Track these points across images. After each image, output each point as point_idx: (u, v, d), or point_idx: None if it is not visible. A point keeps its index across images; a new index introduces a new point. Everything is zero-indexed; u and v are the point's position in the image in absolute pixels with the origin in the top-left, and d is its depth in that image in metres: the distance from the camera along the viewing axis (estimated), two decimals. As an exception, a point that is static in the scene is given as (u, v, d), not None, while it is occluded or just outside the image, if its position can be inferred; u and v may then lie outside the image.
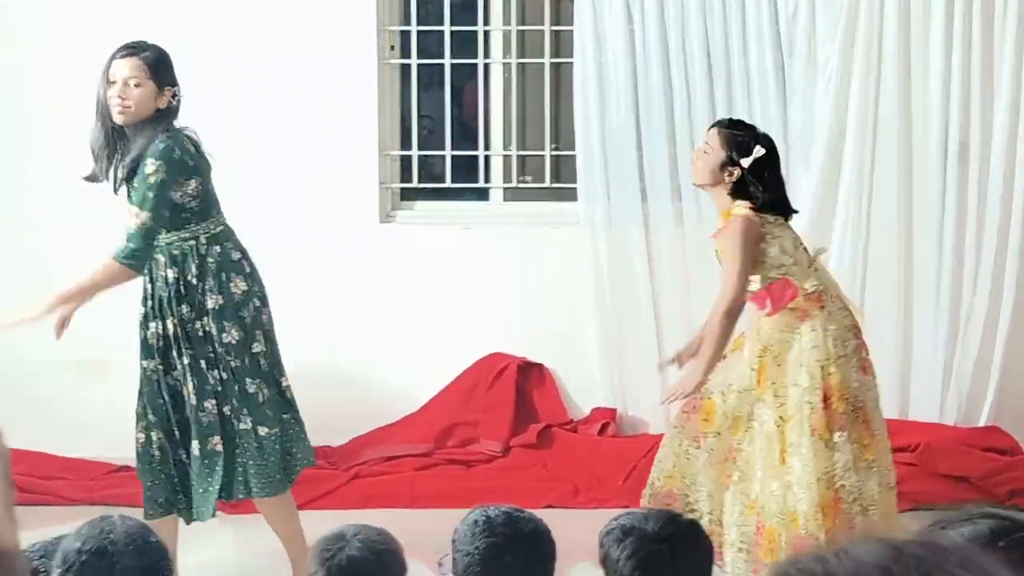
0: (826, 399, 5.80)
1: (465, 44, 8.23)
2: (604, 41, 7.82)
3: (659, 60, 7.77)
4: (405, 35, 8.20)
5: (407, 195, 8.31)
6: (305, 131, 7.89)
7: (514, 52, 8.20)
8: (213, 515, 5.83)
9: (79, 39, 7.86)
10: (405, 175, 8.30)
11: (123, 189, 5.73)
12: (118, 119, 5.65)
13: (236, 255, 5.80)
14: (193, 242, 5.71)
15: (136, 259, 5.63)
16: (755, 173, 5.81)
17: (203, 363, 5.74)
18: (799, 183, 7.70)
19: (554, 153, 8.22)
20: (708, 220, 7.61)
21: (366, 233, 8.04)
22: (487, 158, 8.27)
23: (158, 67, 5.70)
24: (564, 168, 8.22)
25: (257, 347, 5.80)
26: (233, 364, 5.74)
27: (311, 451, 6.01)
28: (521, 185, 8.28)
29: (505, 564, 3.28)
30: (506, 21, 8.18)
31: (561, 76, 8.19)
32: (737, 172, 5.79)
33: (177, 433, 5.82)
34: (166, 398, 5.81)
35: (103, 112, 5.68)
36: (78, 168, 5.87)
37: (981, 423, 7.75)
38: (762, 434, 5.77)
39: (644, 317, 7.91)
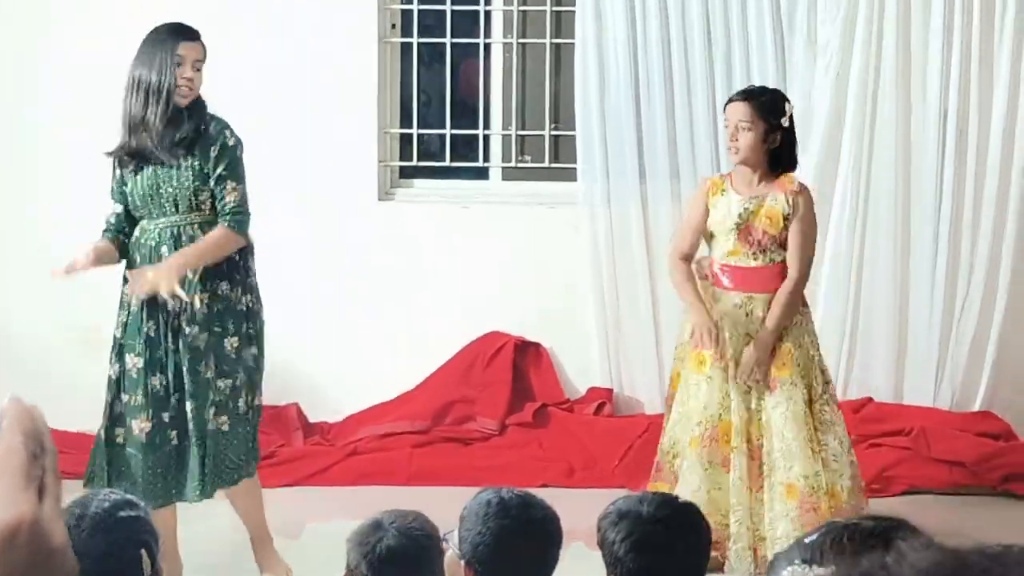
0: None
1: (466, 23, 8.24)
2: (605, 21, 7.83)
3: (659, 41, 7.78)
4: (406, 13, 8.21)
5: (406, 173, 8.33)
6: (305, 109, 7.90)
7: (515, 32, 8.20)
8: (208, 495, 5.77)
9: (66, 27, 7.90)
10: (404, 153, 8.31)
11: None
12: (183, 102, 5.68)
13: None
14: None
15: (247, 228, 5.71)
16: (789, 131, 5.93)
17: (236, 341, 5.71)
18: (798, 164, 7.72)
19: (553, 133, 8.24)
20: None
21: (365, 211, 8.06)
22: (486, 137, 8.28)
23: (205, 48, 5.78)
24: (563, 148, 8.23)
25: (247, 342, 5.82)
26: (263, 347, 5.79)
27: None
28: (520, 165, 8.29)
29: (517, 547, 3.31)
30: (507, 1, 8.18)
31: (561, 56, 8.20)
32: (780, 136, 5.87)
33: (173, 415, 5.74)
34: (169, 379, 5.73)
35: (165, 92, 5.63)
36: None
37: (975, 408, 7.78)
38: (793, 416, 5.80)
39: (641, 297, 7.93)
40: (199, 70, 5.70)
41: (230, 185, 5.68)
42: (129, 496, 3.28)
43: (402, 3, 8.20)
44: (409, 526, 3.44)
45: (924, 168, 7.71)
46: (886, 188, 7.73)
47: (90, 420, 7.63)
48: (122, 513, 3.14)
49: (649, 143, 7.86)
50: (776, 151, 5.94)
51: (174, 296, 5.50)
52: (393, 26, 8.22)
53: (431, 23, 8.25)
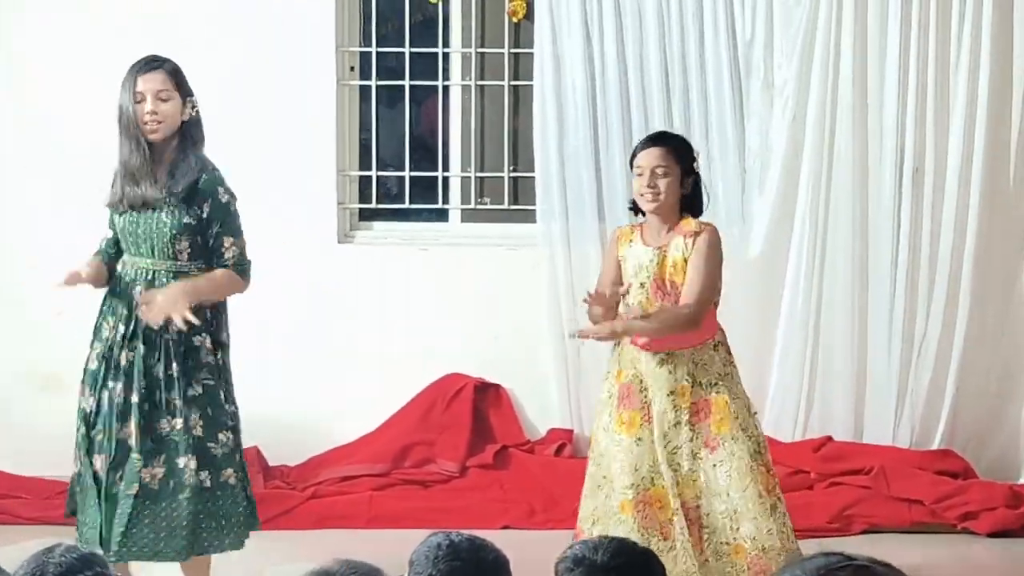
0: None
1: (425, 65, 8.25)
2: (563, 64, 7.86)
3: (617, 83, 7.82)
4: (365, 56, 8.23)
5: (365, 215, 8.33)
6: (263, 151, 7.89)
7: (474, 74, 8.23)
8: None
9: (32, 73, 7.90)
10: (363, 195, 8.31)
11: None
12: (152, 136, 5.58)
13: None
14: (207, 270, 5.67)
15: (248, 275, 5.70)
16: (698, 178, 5.79)
17: (222, 395, 5.66)
18: (755, 205, 7.76)
19: (513, 175, 8.25)
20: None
21: (324, 253, 8.05)
22: (446, 179, 8.29)
23: (179, 77, 5.67)
24: (522, 190, 8.24)
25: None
26: (236, 403, 5.75)
27: None
28: (480, 206, 8.30)
29: None
30: (466, 43, 8.21)
31: (520, 98, 8.22)
32: (690, 181, 5.73)
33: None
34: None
35: (134, 131, 5.57)
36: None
37: (934, 446, 7.80)
38: (738, 473, 5.55)
39: (601, 338, 7.93)
40: (164, 100, 5.58)
41: (227, 241, 5.63)
42: (87, 551, 3.17)
43: (361, 45, 8.22)
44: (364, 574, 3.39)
45: (881, 206, 7.75)
46: (843, 227, 7.77)
47: (48, 466, 7.61)
48: (88, 573, 3.07)
49: (608, 184, 7.88)
50: (686, 198, 5.79)
51: (185, 322, 5.43)
52: (352, 68, 8.23)
53: (390, 65, 8.26)
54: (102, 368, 5.65)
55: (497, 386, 8.03)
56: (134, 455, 5.53)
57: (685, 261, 5.64)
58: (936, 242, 7.74)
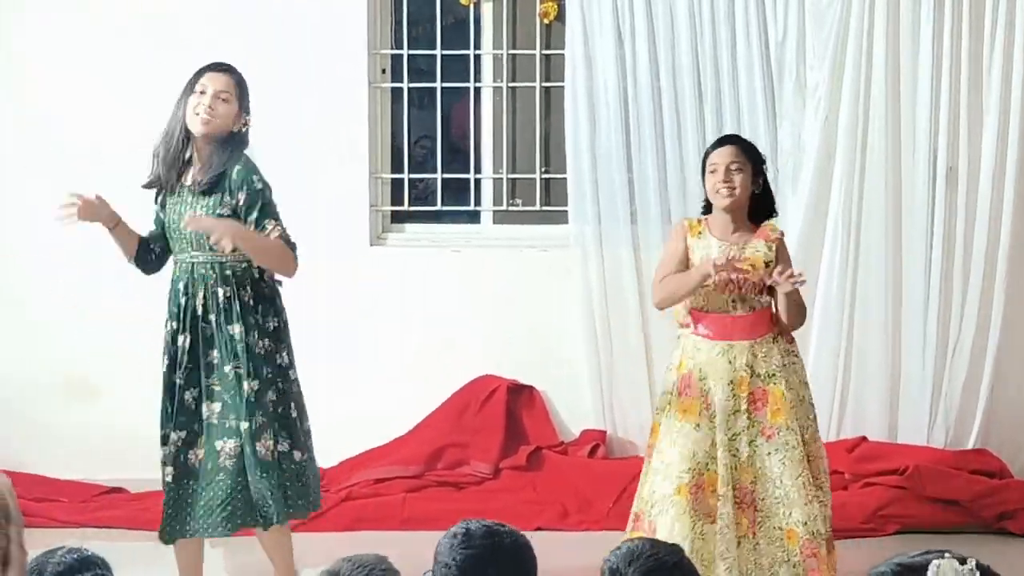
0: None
1: (456, 67, 8.26)
2: (595, 65, 7.86)
3: (649, 84, 7.81)
4: (396, 58, 8.24)
5: (398, 218, 8.34)
6: (296, 154, 7.91)
7: (505, 76, 8.23)
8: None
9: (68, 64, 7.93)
10: (396, 198, 8.32)
11: (178, 199, 5.75)
12: (199, 129, 5.67)
13: (277, 280, 5.84)
14: (247, 264, 5.71)
15: (295, 257, 5.70)
16: (766, 180, 5.98)
17: (257, 383, 5.73)
18: (788, 206, 7.74)
19: (545, 176, 8.25)
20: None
21: (356, 255, 8.07)
22: (478, 181, 8.30)
23: (243, 89, 5.78)
24: (554, 191, 8.25)
25: (293, 374, 5.87)
26: (282, 386, 5.79)
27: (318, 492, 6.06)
28: (512, 208, 8.31)
29: (486, 575, 3.29)
30: (497, 45, 8.21)
31: (552, 99, 8.22)
32: (762, 181, 5.90)
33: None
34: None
35: (180, 120, 5.70)
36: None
37: (969, 446, 7.78)
38: (791, 462, 5.74)
39: (633, 339, 7.93)
40: (225, 100, 5.69)
41: (270, 224, 5.65)
42: (88, 552, 3.19)
43: (392, 48, 8.23)
44: (368, 566, 3.40)
45: (915, 207, 7.73)
46: (876, 227, 7.75)
47: (73, 468, 7.65)
48: (86, 574, 3.08)
49: (640, 186, 7.88)
50: (757, 198, 5.92)
51: (217, 244, 5.50)
52: (383, 71, 8.24)
53: (421, 67, 8.27)
54: (169, 365, 5.75)
55: (530, 387, 8.04)
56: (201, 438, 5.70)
57: (766, 264, 5.81)
58: (970, 242, 7.71)
